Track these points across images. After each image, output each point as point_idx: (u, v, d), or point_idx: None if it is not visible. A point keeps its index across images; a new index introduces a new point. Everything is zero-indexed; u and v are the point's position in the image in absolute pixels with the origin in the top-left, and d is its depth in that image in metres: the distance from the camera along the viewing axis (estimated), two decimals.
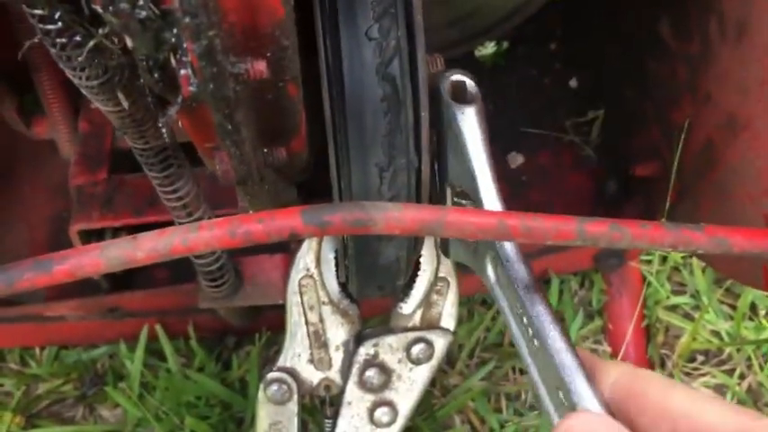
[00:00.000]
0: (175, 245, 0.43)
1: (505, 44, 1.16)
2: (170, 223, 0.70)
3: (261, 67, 0.38)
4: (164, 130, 0.38)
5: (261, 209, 0.53)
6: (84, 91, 0.45)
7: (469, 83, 0.56)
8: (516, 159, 1.06)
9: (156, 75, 0.39)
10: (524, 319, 0.50)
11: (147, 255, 0.43)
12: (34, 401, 1.00)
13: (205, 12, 0.32)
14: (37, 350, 1.04)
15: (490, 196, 0.54)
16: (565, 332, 0.48)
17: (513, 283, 0.50)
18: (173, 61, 0.37)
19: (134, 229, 0.87)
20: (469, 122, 0.55)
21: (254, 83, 0.38)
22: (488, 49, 1.16)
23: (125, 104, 0.45)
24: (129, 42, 0.37)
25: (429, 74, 0.52)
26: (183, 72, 0.36)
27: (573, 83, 1.11)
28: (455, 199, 0.58)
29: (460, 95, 0.56)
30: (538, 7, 0.93)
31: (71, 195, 0.91)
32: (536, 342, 0.48)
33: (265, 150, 0.47)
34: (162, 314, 0.98)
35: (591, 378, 0.45)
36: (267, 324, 1.00)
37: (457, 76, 0.56)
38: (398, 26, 0.49)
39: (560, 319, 0.89)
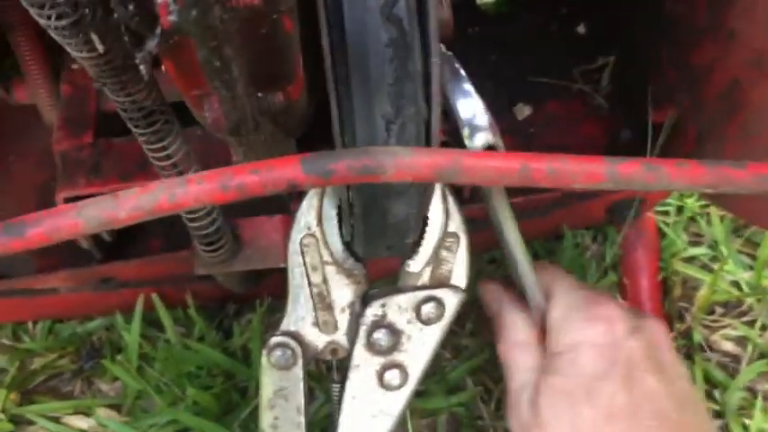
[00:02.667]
0: (161, 201, 0.39)
1: None
2: None
3: None
4: (142, 68, 0.33)
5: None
6: (53, 34, 0.41)
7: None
8: (523, 111, 1.01)
9: (130, 7, 0.34)
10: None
11: (129, 214, 0.39)
12: (30, 377, 0.97)
13: None
14: (30, 324, 1.00)
15: None
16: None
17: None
18: None
19: None
20: None
21: (245, 11, 0.33)
22: None
23: (100, 48, 0.40)
24: None
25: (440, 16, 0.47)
26: None
27: (581, 28, 1.06)
28: None
29: None
30: None
31: (56, 162, 0.86)
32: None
33: (260, 95, 0.42)
34: (158, 283, 0.94)
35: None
36: (269, 290, 0.96)
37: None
38: None
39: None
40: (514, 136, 1.00)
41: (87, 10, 0.39)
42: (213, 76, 0.36)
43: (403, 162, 0.39)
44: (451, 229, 0.66)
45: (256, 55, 0.39)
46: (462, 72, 0.63)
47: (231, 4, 0.32)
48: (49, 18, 0.39)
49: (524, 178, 0.40)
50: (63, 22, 0.39)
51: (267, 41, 0.39)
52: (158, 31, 0.32)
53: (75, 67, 0.92)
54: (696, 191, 0.53)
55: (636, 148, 0.94)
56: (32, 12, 0.39)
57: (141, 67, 0.34)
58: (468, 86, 0.63)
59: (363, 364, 0.68)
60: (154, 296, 0.94)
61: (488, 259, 1.01)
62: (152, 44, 0.33)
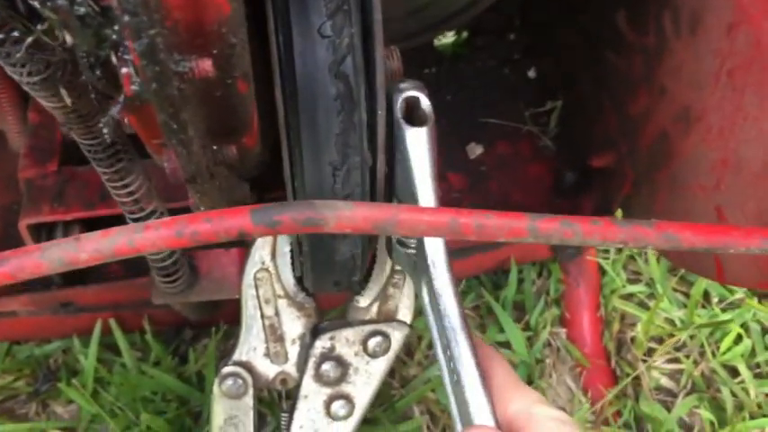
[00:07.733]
0: (120, 245, 0.42)
1: (465, 34, 1.16)
2: (122, 217, 0.69)
3: (206, 65, 0.36)
4: (105, 130, 0.37)
5: (212, 206, 0.51)
6: (25, 87, 0.44)
7: (424, 101, 0.54)
8: (475, 150, 1.06)
9: (97, 72, 0.38)
10: (447, 352, 0.51)
11: (90, 256, 0.42)
12: None
13: (146, 10, 0.31)
14: None
15: None
16: (482, 375, 0.50)
17: (442, 317, 0.52)
18: (114, 59, 0.36)
19: (86, 223, 0.85)
20: (419, 145, 0.53)
21: (200, 81, 0.37)
22: (448, 38, 1.16)
23: (68, 101, 0.44)
24: (68, 39, 0.36)
25: (386, 73, 0.51)
26: (124, 70, 0.35)
27: (531, 73, 1.11)
28: None
29: (413, 113, 0.54)
30: None
31: (21, 188, 0.88)
32: (455, 377, 0.50)
33: (215, 147, 0.46)
34: (116, 308, 0.96)
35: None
36: (224, 317, 0.99)
37: (411, 93, 0.54)
38: (352, 23, 0.48)
39: (522, 312, 0.89)
40: (466, 174, 1.05)
41: (58, 68, 0.43)
42: (171, 136, 0.39)
43: (343, 215, 0.43)
44: (398, 267, 0.70)
45: (211, 114, 0.43)
46: None
47: (188, 77, 0.36)
48: (21, 75, 0.43)
49: (453, 232, 0.44)
50: (35, 79, 0.43)
51: (222, 102, 0.43)
52: (122, 98, 0.36)
53: None
54: (609, 246, 0.57)
55: (579, 189, 0.99)
56: (7, 69, 0.42)
57: (105, 130, 0.37)
58: None
59: (312, 395, 0.71)
60: (111, 321, 0.96)
61: None
62: (116, 110, 0.36)
